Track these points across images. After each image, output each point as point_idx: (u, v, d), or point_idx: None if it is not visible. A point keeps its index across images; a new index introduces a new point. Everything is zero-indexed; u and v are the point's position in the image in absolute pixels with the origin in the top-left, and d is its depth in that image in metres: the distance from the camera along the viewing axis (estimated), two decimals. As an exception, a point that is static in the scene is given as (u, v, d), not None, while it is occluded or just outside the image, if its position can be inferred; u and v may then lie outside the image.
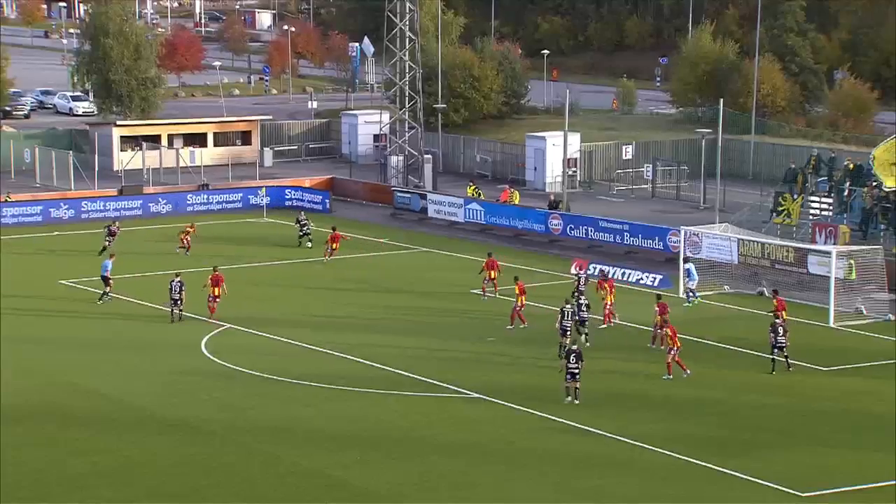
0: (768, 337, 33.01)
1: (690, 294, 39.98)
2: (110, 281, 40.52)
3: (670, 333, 32.77)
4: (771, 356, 32.87)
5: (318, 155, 73.19)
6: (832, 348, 35.83)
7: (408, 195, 57.91)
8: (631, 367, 33.73)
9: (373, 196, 60.34)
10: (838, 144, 62.05)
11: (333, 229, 46.75)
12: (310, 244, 48.06)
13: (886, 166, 44.65)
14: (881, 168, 44.71)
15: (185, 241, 47.69)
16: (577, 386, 30.35)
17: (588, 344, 34.74)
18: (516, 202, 54.27)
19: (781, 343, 32.78)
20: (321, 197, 58.98)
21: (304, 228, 49.36)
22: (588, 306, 35.92)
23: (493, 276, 39.82)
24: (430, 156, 63.43)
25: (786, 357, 32.94)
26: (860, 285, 39.76)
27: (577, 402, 30.24)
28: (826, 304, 38.34)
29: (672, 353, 32.45)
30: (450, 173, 67.65)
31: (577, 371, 30.33)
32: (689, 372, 32.54)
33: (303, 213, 51.35)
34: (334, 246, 46.38)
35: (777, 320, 33.52)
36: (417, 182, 62.16)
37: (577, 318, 35.12)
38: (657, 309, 35.18)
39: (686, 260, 41.85)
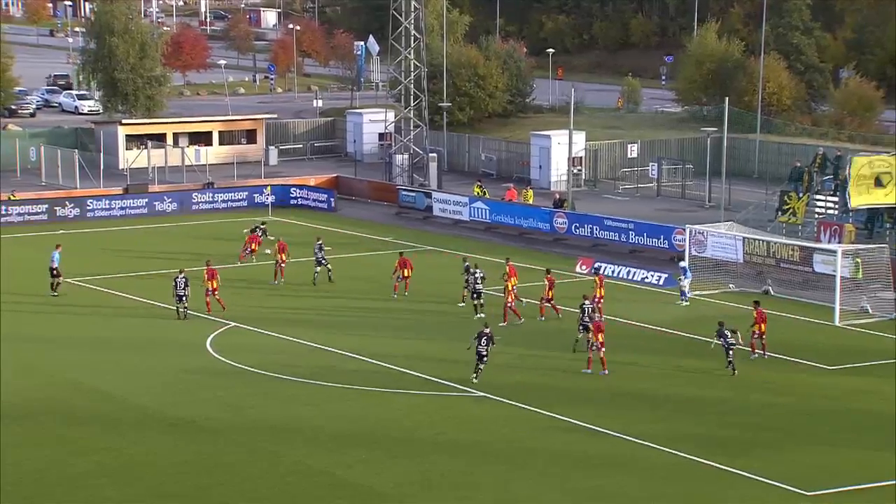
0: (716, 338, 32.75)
1: (683, 293, 39.67)
2: (56, 272, 40.45)
3: (593, 329, 32.71)
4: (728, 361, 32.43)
5: (322, 153, 73.21)
6: (837, 347, 35.71)
7: (413, 194, 57.84)
8: (634, 365, 33.59)
9: (377, 195, 60.29)
10: (844, 143, 61.89)
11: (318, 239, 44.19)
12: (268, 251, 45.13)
13: (862, 182, 44.10)
14: (856, 182, 44.17)
15: (253, 246, 46.00)
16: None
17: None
18: (530, 201, 53.89)
19: (732, 343, 32.35)
20: (326, 196, 58.95)
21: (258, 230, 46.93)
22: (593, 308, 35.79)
23: (551, 296, 38.31)
24: (434, 154, 63.35)
25: (730, 361, 32.24)
26: (866, 284, 39.62)
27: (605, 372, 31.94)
28: (831, 303, 38.20)
29: (596, 348, 32.39)
30: (454, 172, 67.56)
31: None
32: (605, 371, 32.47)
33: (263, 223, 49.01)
34: (253, 247, 45.20)
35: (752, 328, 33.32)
36: (422, 181, 62.08)
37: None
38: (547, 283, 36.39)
39: (682, 259, 41.73)
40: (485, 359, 31.47)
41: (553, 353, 34.87)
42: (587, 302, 34.88)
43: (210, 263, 39.02)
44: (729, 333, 32.87)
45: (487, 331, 31.91)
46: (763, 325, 34.08)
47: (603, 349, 32.59)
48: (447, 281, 42.72)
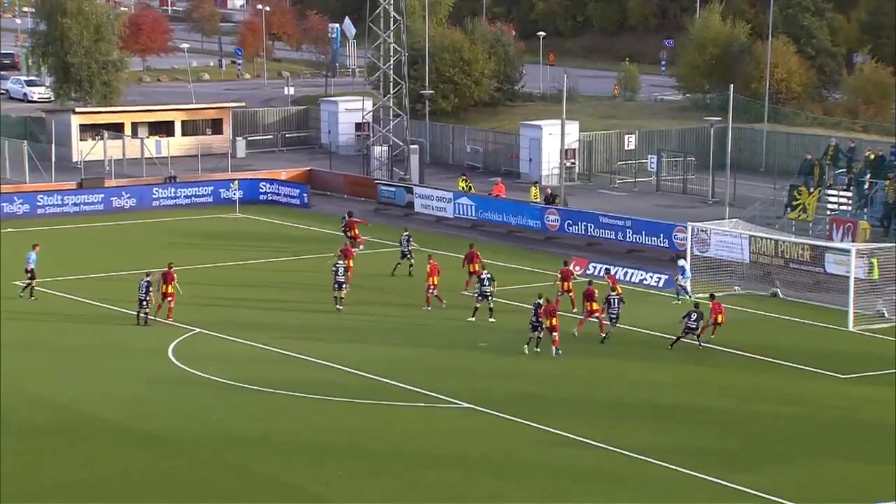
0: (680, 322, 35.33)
1: (682, 291, 40.19)
2: (32, 274, 40.62)
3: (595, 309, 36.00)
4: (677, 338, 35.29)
5: (295, 145, 73.34)
6: (851, 353, 36.12)
7: (392, 189, 58.05)
8: (634, 374, 33.96)
9: (354, 190, 60.47)
10: (858, 133, 62.44)
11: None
12: None
13: None
14: None
15: (357, 237, 46.94)
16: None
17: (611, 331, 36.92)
18: (536, 199, 53.94)
19: (692, 327, 35.15)
20: (298, 191, 59.09)
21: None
22: (622, 300, 37.24)
23: (568, 288, 39.40)
24: (416, 146, 63.59)
25: (697, 336, 35.24)
26: (882, 286, 40.04)
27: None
28: (844, 307, 38.63)
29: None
30: (438, 165, 67.81)
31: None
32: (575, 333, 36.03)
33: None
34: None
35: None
36: (403, 174, 62.31)
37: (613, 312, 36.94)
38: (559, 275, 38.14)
39: (680, 256, 42.17)
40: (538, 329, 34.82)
41: (544, 359, 35.19)
42: (614, 293, 36.99)
43: (171, 266, 39.14)
44: (694, 316, 34.91)
45: (540, 300, 34.77)
46: (720, 317, 35.88)
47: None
48: (444, 284, 42.87)
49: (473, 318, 38.61)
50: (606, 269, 41.98)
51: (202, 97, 78.83)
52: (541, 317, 35.26)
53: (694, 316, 35.41)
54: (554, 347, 35.32)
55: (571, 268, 41.46)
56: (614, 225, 49.52)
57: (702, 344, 35.30)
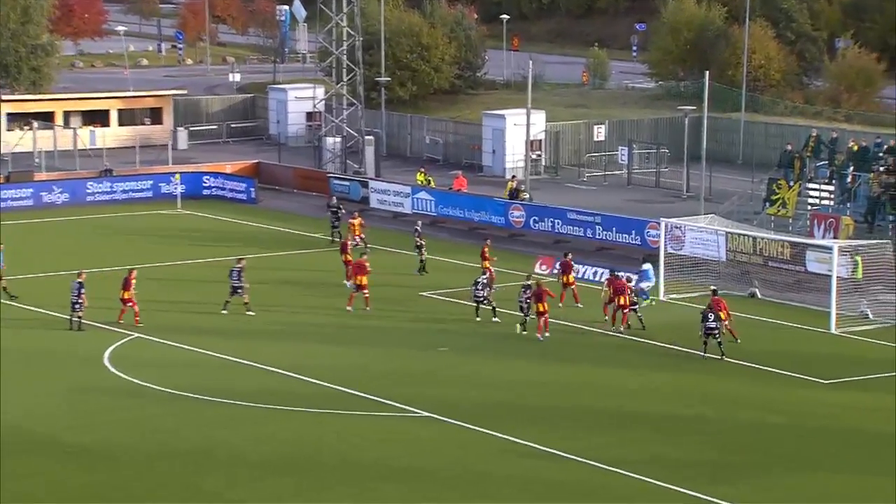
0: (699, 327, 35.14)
1: (642, 294, 40.05)
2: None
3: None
4: (703, 343, 35.19)
5: (241, 136, 73.10)
6: (834, 357, 36.34)
7: (346, 183, 57.93)
8: (605, 380, 34.00)
9: (305, 184, 60.29)
10: (841, 123, 62.92)
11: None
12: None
13: None
14: None
15: (359, 236, 46.75)
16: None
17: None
18: (525, 198, 53.73)
19: (712, 328, 34.82)
20: (245, 185, 58.87)
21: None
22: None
23: (570, 281, 39.99)
24: (371, 137, 63.49)
25: (718, 344, 35.02)
26: (866, 285, 40.33)
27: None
28: (827, 307, 38.86)
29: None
30: (395, 157, 67.74)
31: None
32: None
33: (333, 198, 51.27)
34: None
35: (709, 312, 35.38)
36: (357, 167, 62.19)
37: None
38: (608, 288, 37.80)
39: (645, 260, 42.02)
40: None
41: (509, 364, 35.17)
42: (530, 282, 37.77)
43: (132, 272, 38.85)
44: (712, 316, 34.63)
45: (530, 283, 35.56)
46: (724, 315, 36.13)
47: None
48: (391, 282, 42.87)
49: (496, 319, 38.63)
50: (611, 271, 40.35)
51: (140, 84, 78.31)
52: (529, 300, 36.25)
53: (711, 316, 35.04)
54: (538, 334, 35.98)
55: (538, 268, 41.53)
56: (583, 221, 49.62)
57: (724, 356, 35.02)
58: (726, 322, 36.34)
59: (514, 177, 56.07)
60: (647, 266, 41.27)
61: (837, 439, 29.92)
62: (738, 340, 36.39)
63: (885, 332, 38.53)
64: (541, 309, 37.05)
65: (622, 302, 37.83)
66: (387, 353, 36.39)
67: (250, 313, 39.32)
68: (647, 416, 31.30)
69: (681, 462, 28.23)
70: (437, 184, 56.64)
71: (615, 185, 61.19)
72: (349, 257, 43.30)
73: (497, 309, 38.78)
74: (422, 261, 44.71)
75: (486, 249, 42.82)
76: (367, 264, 40.41)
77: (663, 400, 32.57)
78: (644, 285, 40.35)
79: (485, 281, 39.09)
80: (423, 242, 45.11)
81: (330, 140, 64.08)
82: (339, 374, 34.02)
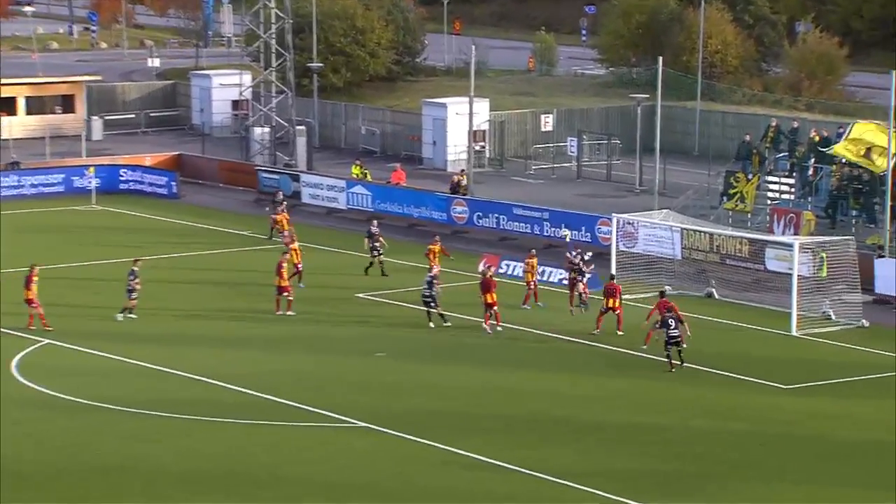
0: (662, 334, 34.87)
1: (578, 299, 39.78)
2: None
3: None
4: (667, 354, 34.68)
5: (161, 126, 72.66)
6: (795, 361, 36.72)
7: (276, 176, 57.76)
8: (555, 387, 34.12)
9: (231, 178, 60.09)
10: (801, 112, 63.54)
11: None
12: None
13: (855, 143, 45.62)
14: (848, 142, 45.69)
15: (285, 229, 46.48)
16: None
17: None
18: (464, 185, 53.64)
19: (676, 336, 34.59)
20: (166, 179, 58.56)
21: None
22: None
23: (616, 306, 38.78)
24: (303, 127, 63.34)
25: (679, 352, 34.81)
26: (828, 285, 40.76)
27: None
28: (787, 308, 39.25)
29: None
30: (328, 149, 67.60)
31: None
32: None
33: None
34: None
35: (668, 313, 35.14)
36: (288, 160, 62.01)
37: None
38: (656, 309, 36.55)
39: (588, 264, 41.22)
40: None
41: (451, 370, 35.22)
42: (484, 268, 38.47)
43: (34, 267, 38.48)
44: (673, 323, 34.47)
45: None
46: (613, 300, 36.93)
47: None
48: (325, 283, 42.80)
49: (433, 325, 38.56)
50: (612, 276, 39.47)
51: (50, 70, 77.59)
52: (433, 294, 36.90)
53: (673, 323, 34.63)
54: (486, 325, 36.87)
55: (481, 266, 41.50)
56: (530, 217, 49.81)
57: (684, 364, 34.99)
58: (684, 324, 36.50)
59: (462, 171, 55.99)
60: (594, 273, 40.55)
61: (799, 447, 30.19)
62: (685, 345, 36.45)
63: (849, 333, 39.02)
64: (489, 300, 37.54)
65: (613, 304, 37.64)
66: (320, 359, 36.32)
67: (131, 316, 38.89)
68: (599, 424, 31.47)
69: (634, 473, 28.40)
70: (373, 177, 56.57)
71: (564, 179, 61.46)
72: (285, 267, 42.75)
73: (444, 313, 38.64)
74: (380, 263, 44.07)
75: (437, 247, 42.48)
76: (284, 264, 40.00)
77: (616, 407, 32.75)
78: (589, 290, 39.89)
79: (429, 279, 38.88)
80: (383, 242, 44.46)
81: (258, 130, 63.84)
82: (269, 382, 33.90)
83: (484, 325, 37.83)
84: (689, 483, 27.96)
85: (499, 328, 37.90)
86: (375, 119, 68.60)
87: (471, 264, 44.24)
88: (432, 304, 38.62)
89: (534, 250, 42.23)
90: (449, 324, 38.68)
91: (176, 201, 57.04)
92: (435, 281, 38.85)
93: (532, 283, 40.86)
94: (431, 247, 42.70)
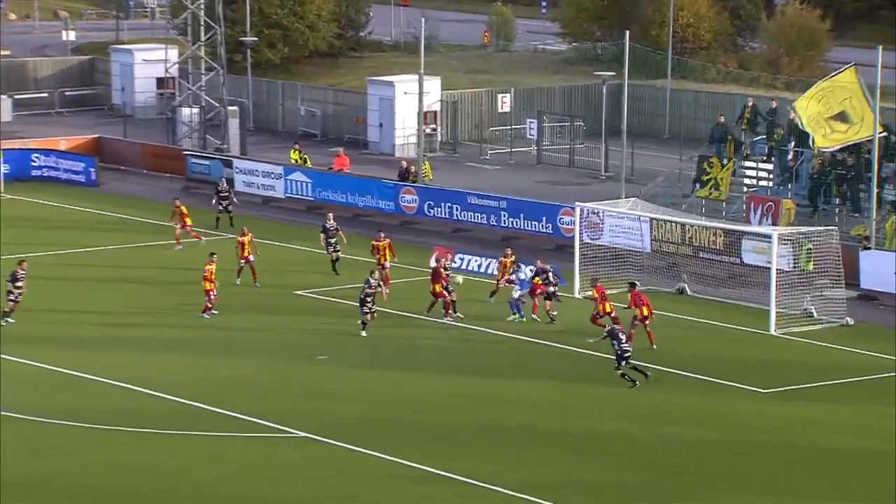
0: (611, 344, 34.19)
1: (514, 306, 39.40)
2: None
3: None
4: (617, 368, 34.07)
5: (78, 106, 72.26)
6: (774, 363, 37.00)
7: (206, 162, 57.61)
8: (515, 393, 34.22)
9: (157, 163, 59.89)
10: (780, 92, 63.91)
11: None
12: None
13: (820, 121, 45.86)
14: (813, 124, 45.91)
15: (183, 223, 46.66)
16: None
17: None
18: (429, 178, 53.46)
19: (627, 350, 33.86)
20: (83, 164, 58.30)
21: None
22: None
23: (646, 315, 38.52)
24: (235, 108, 63.15)
25: (633, 368, 34.07)
26: (810, 280, 41.07)
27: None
28: (766, 305, 39.53)
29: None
30: (263, 132, 67.46)
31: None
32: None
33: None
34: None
35: (616, 326, 34.52)
36: (219, 144, 61.82)
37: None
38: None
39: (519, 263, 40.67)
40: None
41: (401, 376, 35.27)
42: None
43: None
44: (623, 336, 34.01)
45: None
46: (646, 310, 36.29)
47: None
48: (260, 280, 42.72)
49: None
50: (593, 280, 39.35)
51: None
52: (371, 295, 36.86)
53: (623, 336, 33.96)
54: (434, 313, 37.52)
55: (433, 262, 41.51)
56: (486, 207, 49.91)
57: (648, 375, 34.49)
58: (647, 322, 36.68)
59: (426, 156, 55.45)
60: (523, 275, 40.00)
61: (779, 457, 30.39)
62: (655, 346, 36.70)
63: (832, 332, 39.34)
64: (437, 290, 38.22)
65: (608, 309, 37.46)
66: (255, 363, 36.27)
67: (9, 321, 38.62)
68: (561, 433, 31.60)
69: (600, 486, 28.54)
70: (313, 163, 56.51)
71: (523, 164, 61.60)
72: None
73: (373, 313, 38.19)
74: (334, 261, 43.78)
75: (381, 244, 42.11)
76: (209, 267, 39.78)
77: (579, 414, 32.90)
78: (516, 294, 39.48)
79: (368, 287, 38.21)
80: (342, 236, 44.05)
81: (186, 111, 63.58)
82: (198, 389, 33.82)
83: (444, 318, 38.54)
84: (660, 496, 28.12)
85: (447, 319, 38.54)
86: (316, 99, 68.47)
87: (421, 258, 44.25)
88: (368, 309, 37.68)
89: (509, 249, 41.43)
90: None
91: (94, 189, 56.75)
92: (377, 285, 38.32)
93: (502, 282, 40.54)
94: (376, 242, 42.55)
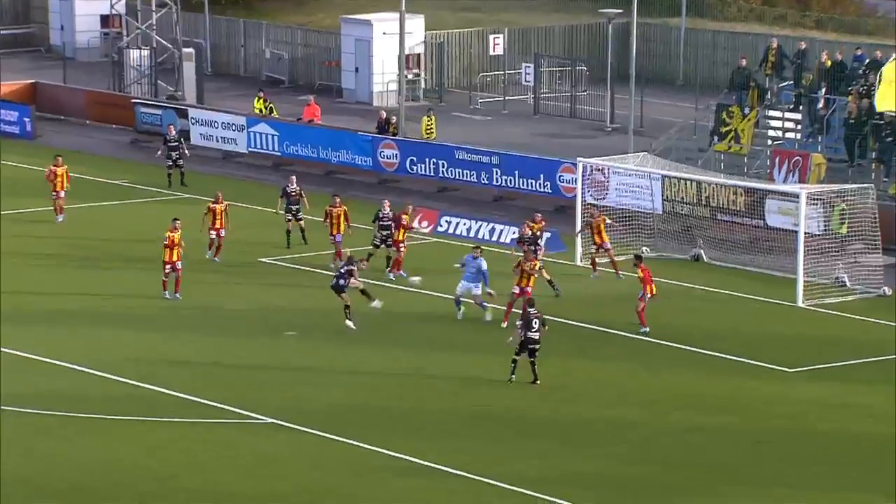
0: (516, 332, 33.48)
1: (460, 302, 38.17)
2: None
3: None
4: (513, 359, 33.47)
5: (10, 48, 72.03)
6: (801, 338, 37.25)
7: (158, 112, 57.69)
8: (505, 373, 34.34)
9: (101, 113, 59.98)
10: (809, 31, 64.02)
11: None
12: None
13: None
14: (885, 85, 45.32)
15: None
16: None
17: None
18: (432, 135, 53.29)
19: (535, 341, 33.16)
20: (17, 114, 58.37)
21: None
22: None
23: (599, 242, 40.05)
24: (191, 50, 63.15)
25: (533, 363, 33.35)
26: (842, 244, 41.28)
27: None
28: (792, 274, 39.82)
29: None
30: (223, 77, 67.48)
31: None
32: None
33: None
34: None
35: (532, 310, 33.46)
36: (172, 91, 61.87)
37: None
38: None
39: (477, 249, 38.56)
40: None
41: (379, 356, 35.58)
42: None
43: None
44: (537, 324, 33.01)
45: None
46: (651, 287, 36.05)
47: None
48: (230, 250, 42.82)
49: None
50: (637, 257, 38.27)
51: None
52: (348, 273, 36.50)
53: (536, 324, 33.00)
54: (392, 271, 38.97)
55: (416, 224, 41.80)
56: (476, 162, 50.06)
57: (537, 381, 33.71)
58: (649, 297, 36.25)
59: (430, 109, 55.50)
60: (481, 260, 38.70)
61: (804, 446, 30.58)
62: (647, 328, 36.54)
63: (867, 304, 39.57)
64: (399, 237, 39.90)
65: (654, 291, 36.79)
66: (217, 340, 36.51)
67: None
68: (556, 420, 31.84)
69: (599, 479, 28.76)
70: (280, 113, 56.64)
71: (518, 115, 61.68)
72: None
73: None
74: (301, 229, 43.79)
75: (337, 211, 41.79)
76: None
77: (576, 398, 33.11)
78: (477, 291, 37.64)
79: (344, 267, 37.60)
80: (305, 202, 43.87)
81: (134, 54, 63.52)
82: (153, 370, 34.07)
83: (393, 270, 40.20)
84: (664, 492, 28.25)
85: (401, 273, 40.00)
86: (283, 40, 68.37)
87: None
88: (343, 289, 36.88)
89: (539, 215, 40.95)
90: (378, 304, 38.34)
91: (31, 142, 56.85)
92: (351, 267, 37.22)
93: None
94: (331, 209, 41.81)
